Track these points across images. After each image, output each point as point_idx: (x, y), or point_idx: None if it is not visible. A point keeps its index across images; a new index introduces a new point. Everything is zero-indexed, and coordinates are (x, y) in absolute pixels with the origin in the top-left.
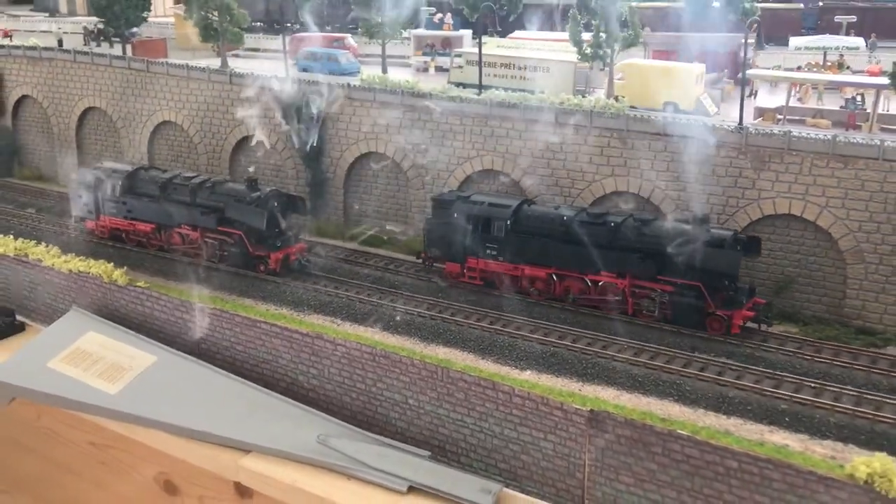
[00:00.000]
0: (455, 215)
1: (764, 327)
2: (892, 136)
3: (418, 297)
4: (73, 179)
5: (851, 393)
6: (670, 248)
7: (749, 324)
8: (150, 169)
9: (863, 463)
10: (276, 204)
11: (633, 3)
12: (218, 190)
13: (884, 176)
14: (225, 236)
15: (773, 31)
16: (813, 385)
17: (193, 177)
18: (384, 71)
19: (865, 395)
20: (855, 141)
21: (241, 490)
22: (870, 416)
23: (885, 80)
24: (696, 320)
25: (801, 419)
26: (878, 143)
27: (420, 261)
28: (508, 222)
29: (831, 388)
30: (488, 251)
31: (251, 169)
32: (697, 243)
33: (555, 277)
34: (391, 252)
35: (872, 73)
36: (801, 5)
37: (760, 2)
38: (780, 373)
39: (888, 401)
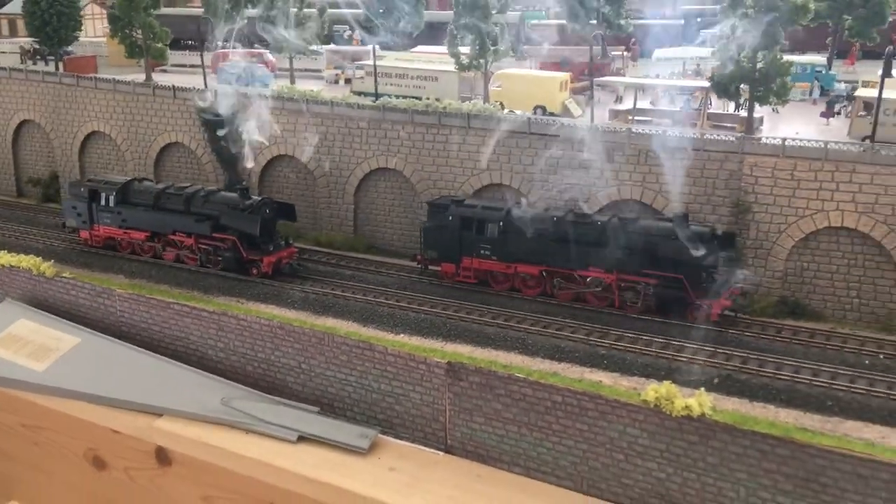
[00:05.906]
0: (450, 218)
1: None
2: (716, 131)
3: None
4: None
5: (660, 340)
6: (655, 245)
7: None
8: (143, 180)
9: (653, 390)
10: (268, 211)
11: (533, 21)
12: (212, 199)
13: (703, 164)
14: (219, 242)
15: (657, 44)
16: (630, 335)
17: (186, 187)
18: (292, 82)
19: (671, 342)
20: (680, 135)
21: (161, 458)
22: (669, 357)
23: (706, 83)
24: (678, 310)
25: (616, 362)
26: (698, 135)
27: (416, 263)
28: (501, 223)
29: (644, 338)
30: (482, 251)
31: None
32: (679, 239)
33: (544, 274)
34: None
35: None
36: (682, 21)
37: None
38: (607, 327)
39: (687, 345)
